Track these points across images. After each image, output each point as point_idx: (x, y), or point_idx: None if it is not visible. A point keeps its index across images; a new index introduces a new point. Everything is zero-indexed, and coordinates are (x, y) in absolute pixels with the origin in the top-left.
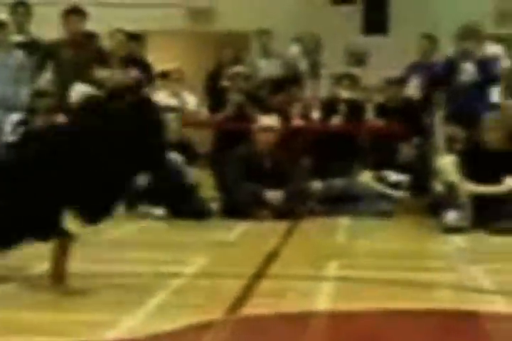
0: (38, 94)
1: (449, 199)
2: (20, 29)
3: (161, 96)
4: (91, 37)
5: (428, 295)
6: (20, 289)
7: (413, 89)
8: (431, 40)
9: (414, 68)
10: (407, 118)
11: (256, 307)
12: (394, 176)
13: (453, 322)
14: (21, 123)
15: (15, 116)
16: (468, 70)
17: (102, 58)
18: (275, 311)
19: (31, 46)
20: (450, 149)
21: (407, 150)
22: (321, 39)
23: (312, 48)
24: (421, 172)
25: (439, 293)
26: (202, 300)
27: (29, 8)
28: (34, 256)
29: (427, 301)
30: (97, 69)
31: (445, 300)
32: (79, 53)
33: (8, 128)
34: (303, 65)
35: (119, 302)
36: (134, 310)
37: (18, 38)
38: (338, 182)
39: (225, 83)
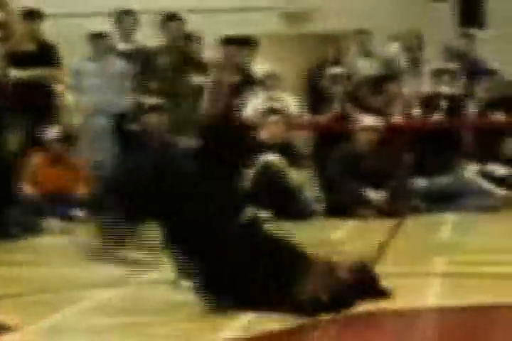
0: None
1: None
2: (126, 38)
3: (261, 101)
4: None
5: None
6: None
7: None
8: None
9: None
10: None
11: (365, 305)
12: (501, 170)
13: None
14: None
15: None
16: None
17: (198, 63)
18: (385, 308)
19: (135, 55)
20: None
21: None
22: (422, 35)
23: (413, 45)
24: None
25: None
26: None
27: (135, 16)
28: None
29: None
30: (193, 74)
31: None
32: (174, 59)
33: None
34: (402, 63)
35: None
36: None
37: (122, 46)
38: (442, 180)
39: (326, 82)
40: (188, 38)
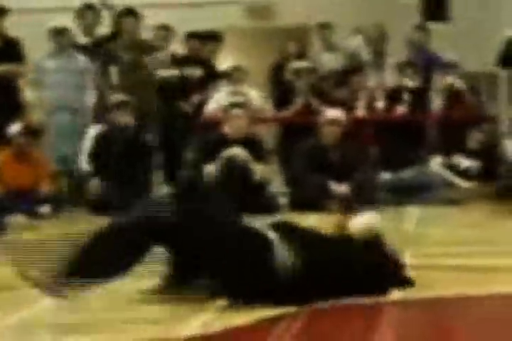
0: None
1: None
2: (87, 32)
3: (225, 95)
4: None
5: (502, 279)
6: None
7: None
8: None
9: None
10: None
11: None
12: (465, 162)
13: None
14: (100, 137)
15: (92, 131)
16: None
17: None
18: (347, 302)
19: (96, 50)
20: None
21: (476, 136)
22: (385, 29)
23: (376, 38)
24: (489, 159)
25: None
26: None
27: (98, 12)
28: None
29: (501, 286)
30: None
31: None
32: (135, 54)
33: (87, 143)
34: (365, 55)
35: (192, 297)
36: (206, 306)
37: (83, 40)
38: (407, 172)
39: (289, 76)
40: (165, 30)
